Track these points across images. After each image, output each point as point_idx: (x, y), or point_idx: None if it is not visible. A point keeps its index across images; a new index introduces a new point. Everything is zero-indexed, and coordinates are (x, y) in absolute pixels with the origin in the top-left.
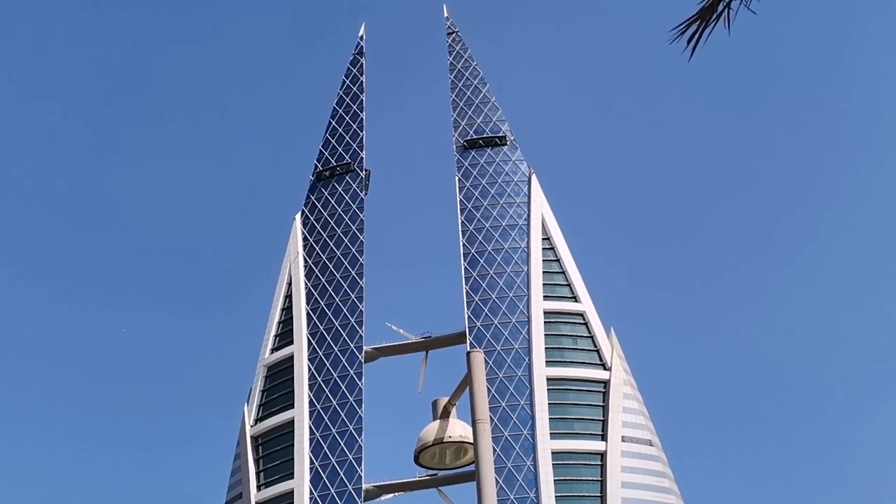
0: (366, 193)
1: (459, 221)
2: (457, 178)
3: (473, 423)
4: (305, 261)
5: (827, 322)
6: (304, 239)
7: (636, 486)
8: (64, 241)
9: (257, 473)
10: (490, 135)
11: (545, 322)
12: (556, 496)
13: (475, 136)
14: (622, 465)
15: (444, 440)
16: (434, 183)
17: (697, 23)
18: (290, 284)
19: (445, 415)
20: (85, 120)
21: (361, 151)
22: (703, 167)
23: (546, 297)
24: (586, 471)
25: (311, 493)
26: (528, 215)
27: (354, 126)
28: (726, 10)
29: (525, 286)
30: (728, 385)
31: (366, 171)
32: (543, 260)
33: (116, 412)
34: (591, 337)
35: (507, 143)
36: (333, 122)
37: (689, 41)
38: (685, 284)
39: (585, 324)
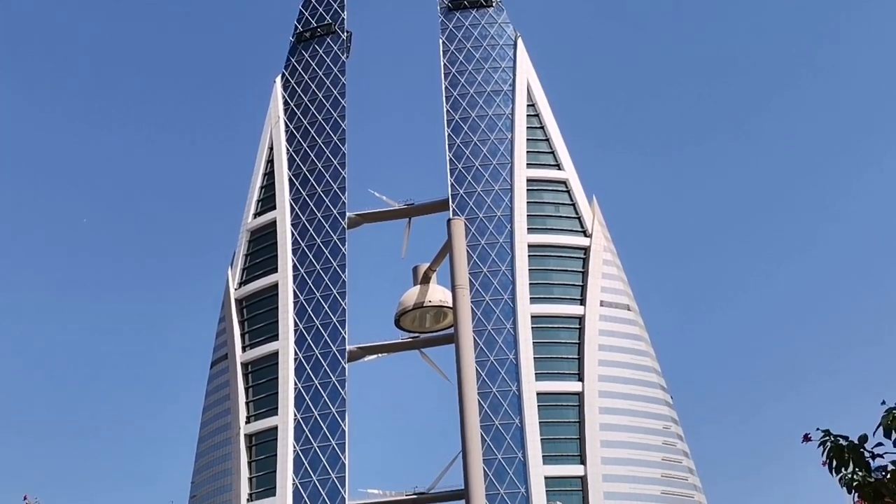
0: (347, 56)
1: (443, 87)
2: (441, 40)
3: (453, 289)
4: (286, 125)
5: (815, 189)
6: (285, 103)
7: (613, 348)
8: (59, 124)
9: (242, 335)
10: None
11: (528, 189)
12: (534, 357)
13: None
14: (600, 329)
15: (424, 304)
16: (417, 46)
17: None
18: (271, 149)
19: (426, 280)
20: None
21: (343, 12)
22: (696, 36)
23: (529, 165)
24: (565, 334)
25: (295, 353)
26: (514, 81)
27: None
28: None
29: (508, 153)
30: (707, 252)
31: (347, 32)
32: (528, 127)
33: (104, 258)
34: (573, 204)
35: (493, 4)
36: None
37: None
38: (668, 154)
39: (568, 191)
